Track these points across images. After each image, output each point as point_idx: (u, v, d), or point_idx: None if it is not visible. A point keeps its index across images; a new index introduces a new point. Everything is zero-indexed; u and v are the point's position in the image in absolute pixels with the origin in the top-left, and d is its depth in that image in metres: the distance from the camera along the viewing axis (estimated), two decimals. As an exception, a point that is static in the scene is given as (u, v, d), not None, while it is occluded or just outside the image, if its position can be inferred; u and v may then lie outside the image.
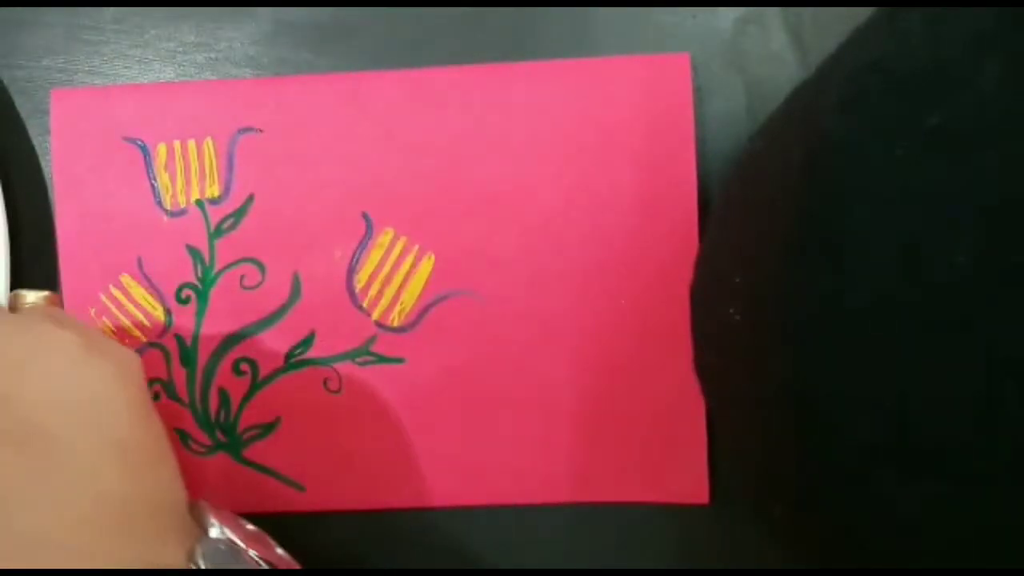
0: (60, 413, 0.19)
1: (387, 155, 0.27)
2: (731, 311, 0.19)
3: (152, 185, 0.27)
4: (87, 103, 0.27)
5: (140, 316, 0.28)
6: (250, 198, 0.27)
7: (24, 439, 0.18)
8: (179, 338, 0.28)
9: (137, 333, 0.28)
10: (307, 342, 0.27)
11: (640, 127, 0.26)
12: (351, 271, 0.27)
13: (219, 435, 0.28)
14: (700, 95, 0.26)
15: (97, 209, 0.27)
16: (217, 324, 0.27)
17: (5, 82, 0.28)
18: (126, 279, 0.27)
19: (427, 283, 0.27)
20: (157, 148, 0.27)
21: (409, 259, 0.27)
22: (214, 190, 0.27)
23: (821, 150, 0.16)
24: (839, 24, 0.25)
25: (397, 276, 0.27)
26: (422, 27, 0.27)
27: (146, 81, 0.28)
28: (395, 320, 0.27)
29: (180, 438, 0.28)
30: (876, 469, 0.15)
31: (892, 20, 0.17)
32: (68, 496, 0.18)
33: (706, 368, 0.23)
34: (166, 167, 0.27)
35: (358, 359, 0.27)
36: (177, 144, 0.27)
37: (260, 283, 0.27)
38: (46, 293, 0.25)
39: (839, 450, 0.16)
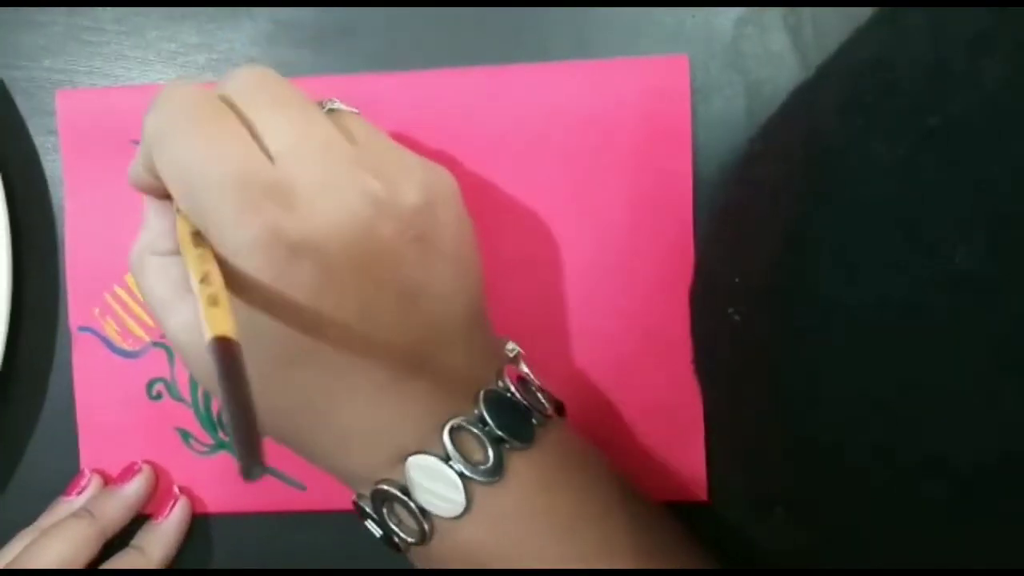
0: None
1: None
2: (730, 311, 0.19)
3: (153, 185, 0.27)
4: (92, 104, 0.27)
5: (144, 316, 0.28)
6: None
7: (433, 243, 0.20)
8: (180, 338, 0.28)
9: (140, 332, 0.28)
10: (308, 342, 0.27)
11: (639, 128, 0.26)
12: (352, 271, 0.27)
13: (221, 434, 0.28)
14: (699, 96, 0.26)
15: (103, 209, 0.27)
16: (218, 324, 0.27)
17: (6, 82, 0.28)
18: (131, 279, 0.28)
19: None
20: (158, 148, 0.27)
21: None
22: (215, 190, 0.27)
23: (821, 150, 0.17)
24: (839, 24, 0.25)
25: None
26: (422, 27, 0.27)
27: (147, 82, 0.28)
28: (396, 320, 0.27)
29: (182, 437, 0.28)
30: (876, 468, 0.15)
31: (892, 20, 0.17)
32: (457, 289, 0.21)
33: (706, 368, 0.23)
34: (167, 167, 0.27)
35: (359, 359, 0.27)
36: (178, 144, 0.27)
37: (261, 283, 0.27)
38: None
39: (839, 450, 0.16)
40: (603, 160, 0.26)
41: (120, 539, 0.27)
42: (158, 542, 0.27)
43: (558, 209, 0.26)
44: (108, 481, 0.28)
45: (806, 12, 0.25)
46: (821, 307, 0.16)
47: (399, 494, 0.20)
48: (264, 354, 0.19)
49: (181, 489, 0.28)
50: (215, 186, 0.18)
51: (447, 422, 0.20)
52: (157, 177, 0.19)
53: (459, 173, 0.26)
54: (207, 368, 0.18)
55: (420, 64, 0.27)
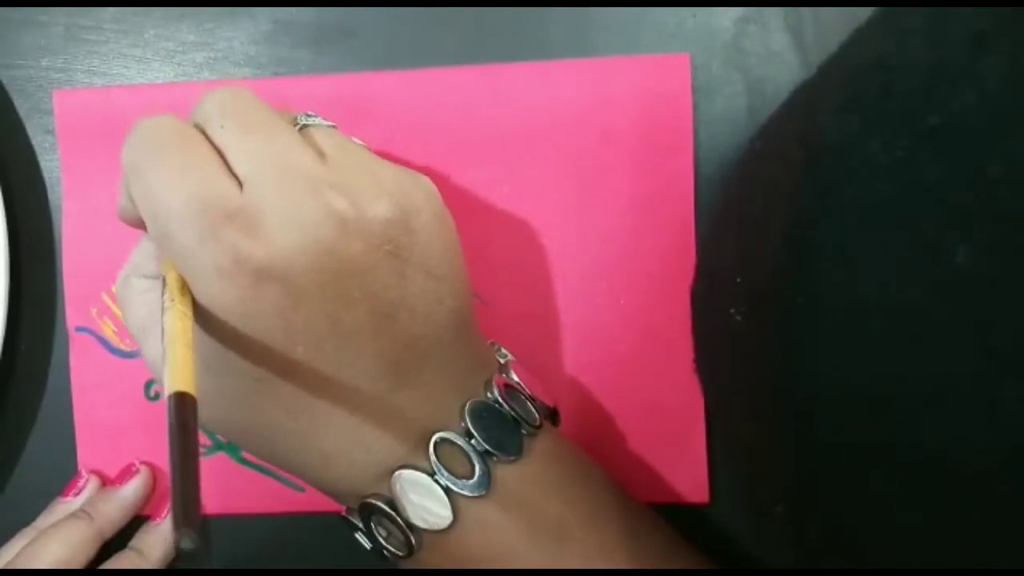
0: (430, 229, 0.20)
1: (386, 156, 0.26)
2: (731, 311, 0.19)
3: (152, 185, 0.27)
4: (89, 104, 0.27)
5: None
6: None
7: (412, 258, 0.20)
8: (179, 338, 0.28)
9: (137, 333, 0.28)
10: (307, 342, 0.27)
11: (640, 127, 0.26)
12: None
13: (219, 435, 0.28)
14: (700, 95, 0.26)
15: (101, 209, 0.27)
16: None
17: (3, 82, 0.28)
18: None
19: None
20: (157, 148, 0.27)
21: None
22: (214, 190, 0.27)
23: (821, 150, 0.16)
24: (840, 24, 0.25)
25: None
26: (422, 27, 0.27)
27: (145, 81, 0.28)
28: (395, 320, 0.27)
29: (180, 438, 0.28)
30: (876, 468, 0.15)
31: (892, 20, 0.17)
32: (437, 301, 0.20)
33: (706, 368, 0.23)
34: (166, 167, 0.27)
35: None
36: (177, 144, 0.27)
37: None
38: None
39: (839, 450, 0.16)
40: (604, 159, 0.26)
41: (118, 540, 0.27)
42: (157, 543, 0.27)
43: (559, 208, 0.26)
44: (106, 482, 0.28)
45: (807, 11, 0.25)
46: (821, 307, 0.16)
47: (385, 508, 0.20)
48: (237, 373, 0.19)
49: (180, 490, 0.28)
50: (178, 214, 0.18)
51: (432, 436, 0.20)
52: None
53: (459, 172, 0.27)
54: None
55: (420, 64, 0.27)
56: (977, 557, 0.14)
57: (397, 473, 0.20)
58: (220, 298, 0.18)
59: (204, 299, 0.18)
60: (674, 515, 0.24)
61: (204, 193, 0.18)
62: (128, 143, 0.20)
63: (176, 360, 0.17)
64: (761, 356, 0.18)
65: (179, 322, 0.18)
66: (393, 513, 0.20)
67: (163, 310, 0.18)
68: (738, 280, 0.19)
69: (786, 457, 0.18)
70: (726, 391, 0.21)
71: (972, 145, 0.13)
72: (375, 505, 0.20)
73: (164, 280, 0.19)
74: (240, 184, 0.19)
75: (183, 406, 0.16)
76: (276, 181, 0.19)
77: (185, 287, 0.19)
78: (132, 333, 0.21)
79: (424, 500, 0.20)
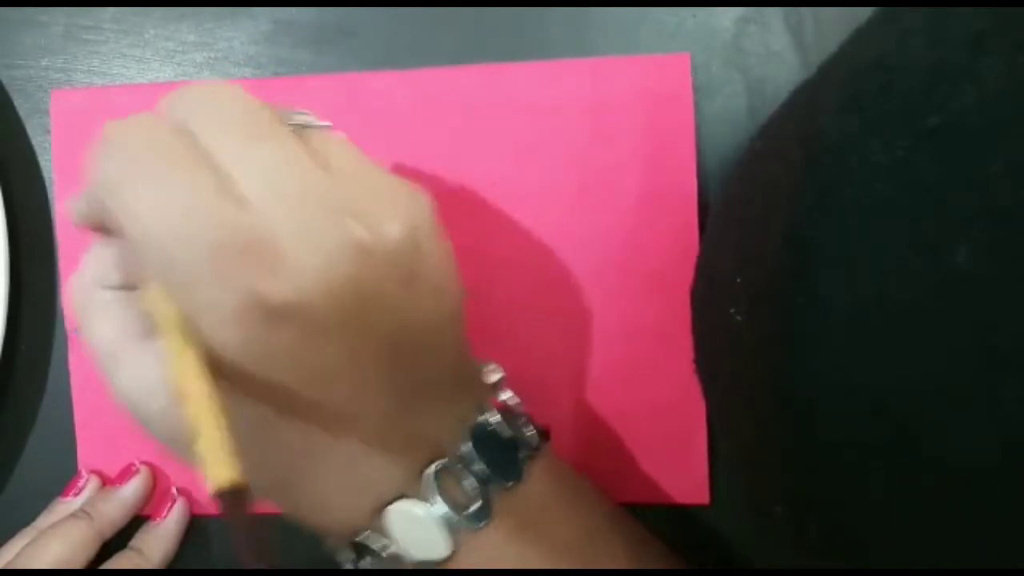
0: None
1: (387, 156, 0.27)
2: (731, 311, 0.19)
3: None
4: (87, 103, 0.27)
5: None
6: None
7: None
8: (179, 338, 0.27)
9: (137, 333, 0.28)
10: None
11: (640, 127, 0.26)
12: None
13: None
14: (700, 95, 0.26)
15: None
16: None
17: (4, 82, 0.28)
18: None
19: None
20: (157, 148, 0.27)
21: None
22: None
23: (821, 150, 0.16)
24: (840, 24, 0.25)
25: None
26: (422, 27, 0.27)
27: (145, 81, 0.28)
28: (395, 320, 0.27)
29: (180, 438, 0.28)
30: (875, 468, 0.15)
31: (892, 20, 0.17)
32: (444, 319, 0.19)
33: (706, 368, 0.23)
34: (166, 167, 0.27)
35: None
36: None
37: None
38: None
39: (839, 450, 0.16)
40: (604, 159, 0.26)
41: (118, 540, 0.27)
42: (156, 543, 0.27)
43: (560, 208, 0.26)
44: (106, 482, 0.28)
45: (807, 11, 0.25)
46: (821, 307, 0.16)
47: (377, 551, 0.20)
48: (239, 416, 0.17)
49: (179, 490, 0.28)
50: (182, 248, 0.16)
51: (429, 465, 0.20)
52: (101, 216, 0.17)
53: (459, 172, 0.27)
54: (169, 429, 0.17)
55: (420, 64, 0.27)
56: (977, 557, 0.14)
57: (393, 507, 0.19)
58: (233, 341, 0.16)
59: (213, 341, 0.16)
60: (674, 515, 0.24)
61: (214, 222, 0.16)
62: (111, 152, 0.17)
63: (214, 441, 0.15)
64: (761, 356, 0.18)
65: (200, 384, 0.15)
66: (384, 556, 0.19)
67: (169, 361, 0.16)
68: (738, 280, 0.19)
69: (786, 457, 0.18)
70: (726, 391, 0.21)
71: (972, 145, 0.13)
72: (368, 547, 0.20)
73: (147, 301, 0.17)
74: (238, 202, 0.16)
75: (241, 500, 0.14)
76: (290, 205, 0.16)
77: (187, 327, 0.16)
78: (97, 357, 0.18)
79: (421, 533, 0.19)
